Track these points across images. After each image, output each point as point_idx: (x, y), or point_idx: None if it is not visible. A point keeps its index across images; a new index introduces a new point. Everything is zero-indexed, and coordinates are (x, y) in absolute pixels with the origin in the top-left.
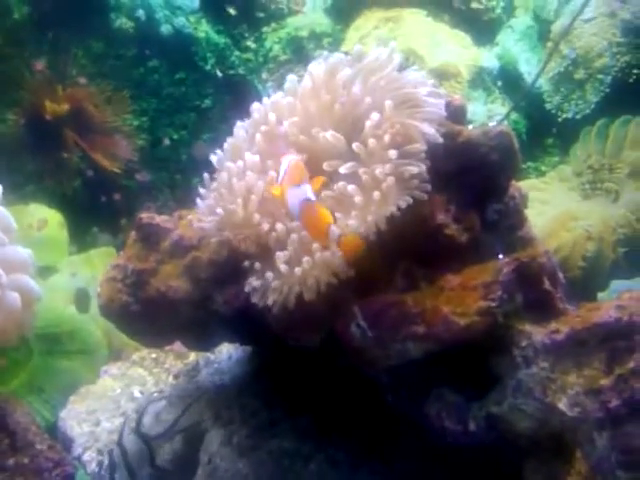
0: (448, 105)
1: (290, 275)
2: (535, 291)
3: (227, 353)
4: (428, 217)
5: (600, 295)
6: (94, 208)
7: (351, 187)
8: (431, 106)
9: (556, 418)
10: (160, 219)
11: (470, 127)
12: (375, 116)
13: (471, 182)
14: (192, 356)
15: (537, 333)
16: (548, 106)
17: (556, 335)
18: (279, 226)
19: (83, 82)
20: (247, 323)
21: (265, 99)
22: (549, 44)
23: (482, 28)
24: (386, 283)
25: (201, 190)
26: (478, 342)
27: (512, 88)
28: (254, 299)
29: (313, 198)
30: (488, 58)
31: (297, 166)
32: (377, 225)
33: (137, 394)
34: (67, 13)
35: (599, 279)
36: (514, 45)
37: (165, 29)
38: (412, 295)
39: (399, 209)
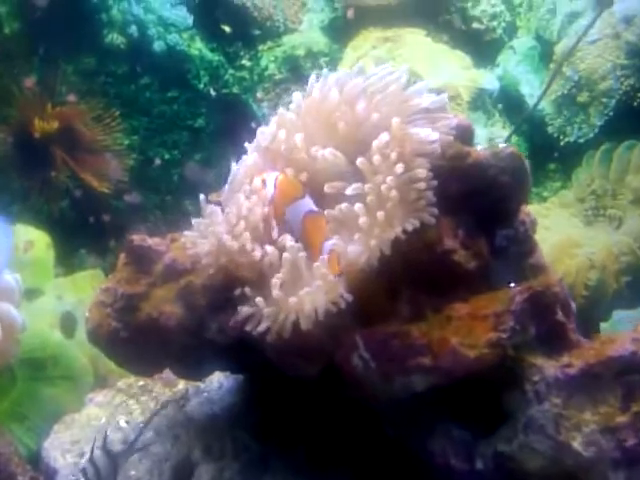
0: (456, 125)
1: (285, 301)
2: (548, 322)
3: (217, 382)
4: (435, 242)
5: (603, 326)
6: (82, 229)
7: (357, 206)
8: (440, 124)
9: (570, 457)
10: (152, 241)
11: (479, 148)
12: (385, 136)
13: (480, 205)
14: (181, 384)
15: (549, 367)
16: (550, 129)
17: (569, 369)
18: (270, 250)
19: (73, 99)
20: (242, 352)
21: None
22: (552, 66)
23: (483, 49)
24: (390, 312)
25: (194, 220)
26: (487, 375)
27: (513, 110)
28: (248, 327)
29: (316, 209)
30: (489, 79)
31: (287, 181)
32: (381, 250)
33: (123, 424)
34: (58, 28)
35: (601, 309)
36: (516, 66)
37: (158, 46)
38: (418, 325)
39: (405, 232)
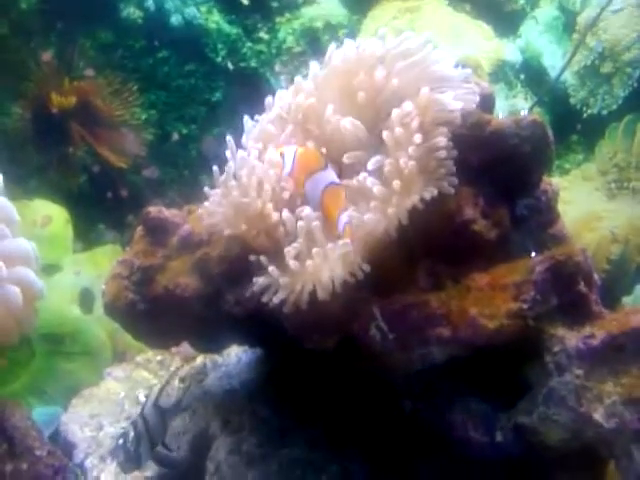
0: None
1: (301, 271)
2: (569, 292)
3: (236, 356)
4: (455, 211)
5: (625, 300)
6: (100, 204)
7: (371, 179)
8: (462, 91)
9: (591, 430)
10: (168, 213)
11: (500, 116)
12: (408, 105)
13: (501, 175)
14: (199, 359)
15: (571, 338)
16: (573, 101)
17: (591, 340)
18: (286, 215)
19: (90, 74)
20: (260, 324)
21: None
22: (575, 36)
23: (505, 19)
24: (408, 282)
25: (207, 188)
26: (507, 346)
27: (535, 82)
28: (264, 298)
29: (338, 181)
30: (511, 50)
31: (309, 153)
32: (399, 219)
33: (142, 398)
34: (75, 3)
35: (624, 283)
36: (538, 37)
37: (175, 19)
38: (436, 295)
39: (423, 201)
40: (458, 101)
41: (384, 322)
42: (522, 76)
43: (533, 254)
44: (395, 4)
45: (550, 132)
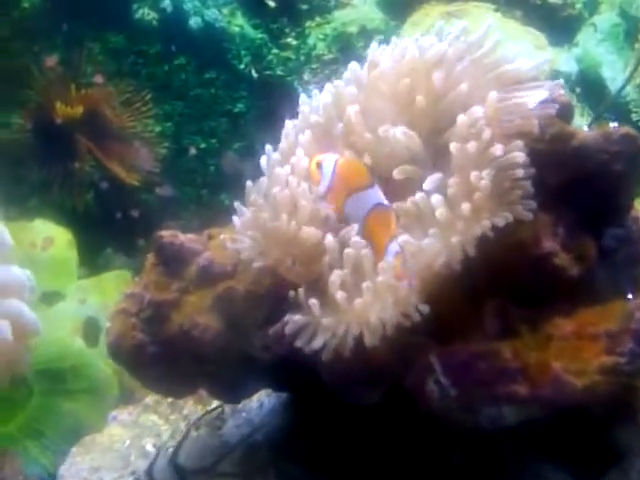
0: (554, 101)
1: (346, 309)
2: None
3: (257, 401)
4: (530, 242)
5: None
6: (108, 225)
7: (433, 199)
8: (537, 98)
9: None
10: (185, 238)
11: (585, 128)
12: (477, 110)
13: (585, 199)
14: (215, 401)
15: None
16: (635, 117)
17: None
18: (329, 241)
19: (99, 81)
20: (291, 370)
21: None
22: (638, 45)
23: (560, 26)
24: (473, 326)
25: (237, 204)
26: (592, 406)
27: (593, 96)
28: (299, 342)
29: (387, 202)
30: (566, 60)
31: (350, 166)
32: (464, 249)
33: (150, 448)
34: (83, 3)
35: None
36: (597, 46)
37: (194, 22)
38: (510, 344)
39: (494, 229)
40: (539, 107)
41: (445, 375)
42: (578, 89)
43: (630, 296)
44: (438, 8)
45: None
